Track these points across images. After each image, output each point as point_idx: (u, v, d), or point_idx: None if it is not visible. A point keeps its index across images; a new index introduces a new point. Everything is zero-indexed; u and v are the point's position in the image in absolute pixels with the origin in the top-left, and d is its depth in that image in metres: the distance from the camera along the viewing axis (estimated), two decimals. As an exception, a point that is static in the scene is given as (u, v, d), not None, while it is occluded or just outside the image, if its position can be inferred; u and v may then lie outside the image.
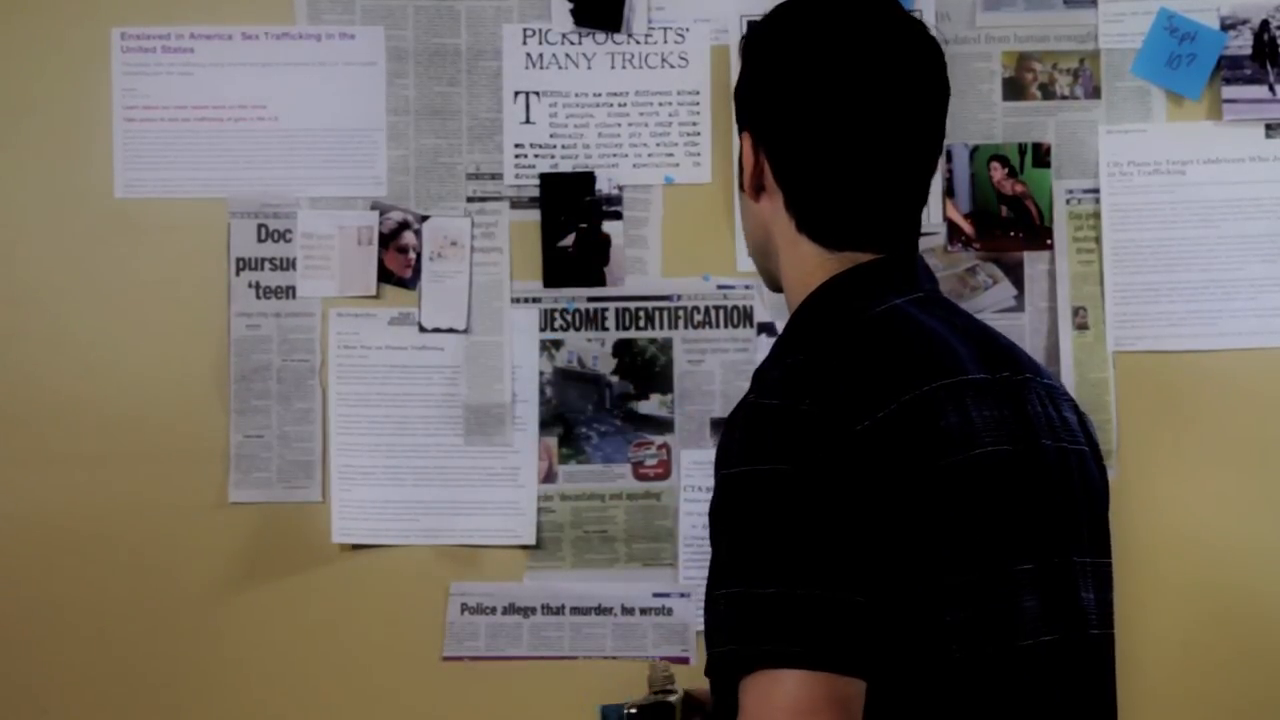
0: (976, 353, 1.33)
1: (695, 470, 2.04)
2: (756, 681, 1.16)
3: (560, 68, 2.09)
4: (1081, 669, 1.31)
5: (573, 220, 2.07)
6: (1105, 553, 1.38)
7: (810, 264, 1.39)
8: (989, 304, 2.07)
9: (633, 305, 2.08)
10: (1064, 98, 2.08)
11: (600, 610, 2.06)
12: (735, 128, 1.47)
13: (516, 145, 2.09)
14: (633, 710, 1.59)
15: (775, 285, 1.48)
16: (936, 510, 1.21)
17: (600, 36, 2.08)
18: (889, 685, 1.19)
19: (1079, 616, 1.31)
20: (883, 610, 1.19)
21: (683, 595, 2.04)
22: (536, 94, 2.09)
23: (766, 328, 2.06)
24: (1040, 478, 1.30)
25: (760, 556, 1.19)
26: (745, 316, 2.07)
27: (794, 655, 1.15)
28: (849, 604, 1.17)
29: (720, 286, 2.07)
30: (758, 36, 1.45)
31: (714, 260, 2.08)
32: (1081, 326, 2.06)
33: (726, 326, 2.07)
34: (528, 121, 2.09)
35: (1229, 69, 2.05)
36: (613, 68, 2.09)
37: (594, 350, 2.08)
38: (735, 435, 1.26)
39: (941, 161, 2.06)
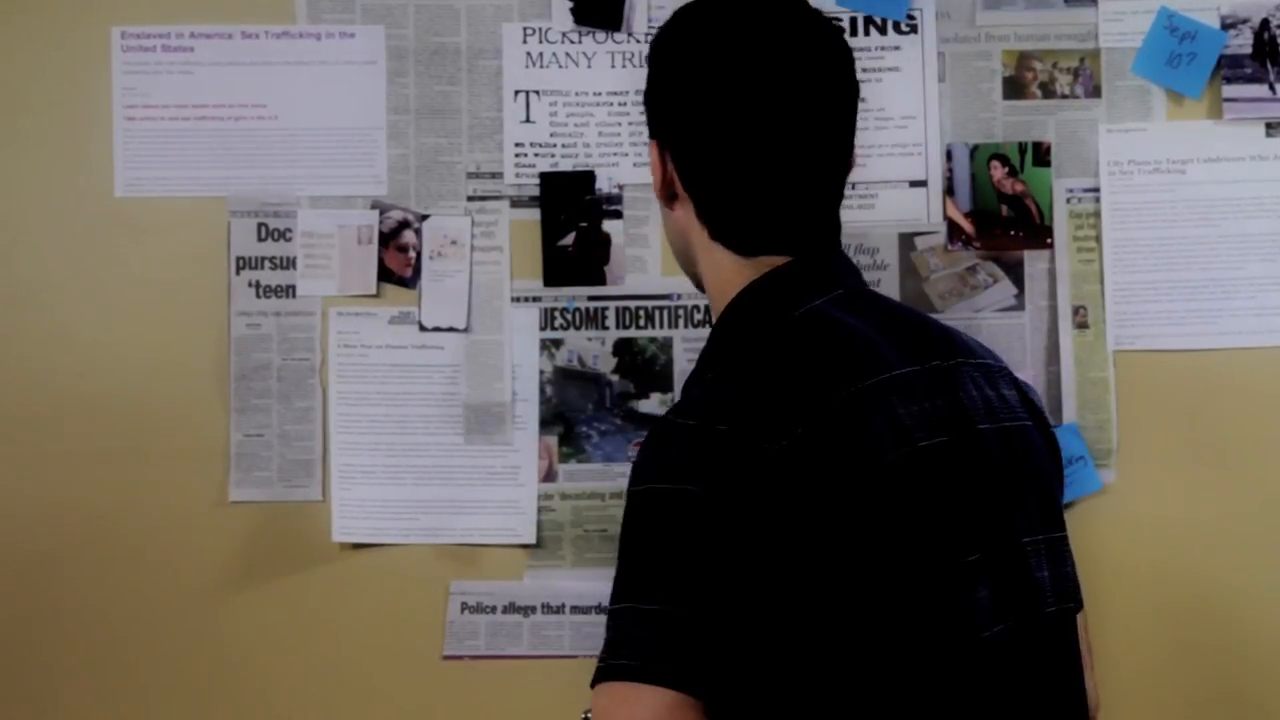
0: (904, 345, 1.31)
1: (695, 469, 2.04)
2: (603, 691, 1.17)
3: (560, 67, 2.09)
4: (1039, 651, 1.29)
5: (573, 219, 2.07)
6: (1058, 526, 1.36)
7: (727, 271, 1.38)
8: (989, 303, 2.07)
9: (633, 304, 2.08)
10: (1064, 97, 2.08)
11: (601, 609, 2.06)
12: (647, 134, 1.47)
13: (516, 144, 2.09)
14: None
15: (703, 288, 1.48)
16: (877, 513, 1.20)
17: (600, 35, 2.08)
18: (847, 689, 1.19)
19: (1033, 598, 1.29)
20: (821, 624, 1.18)
21: (683, 594, 2.04)
22: (536, 93, 2.09)
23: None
24: (980, 465, 1.28)
25: (649, 572, 1.19)
26: (745, 315, 2.07)
27: (651, 671, 1.15)
28: (728, 626, 1.16)
29: (720, 285, 2.07)
30: (661, 41, 1.44)
31: (714, 259, 2.08)
32: (1082, 325, 2.06)
33: (727, 325, 2.07)
34: (528, 120, 2.09)
35: (1229, 68, 2.05)
36: (613, 67, 2.09)
37: (594, 349, 2.08)
38: (647, 454, 1.25)
39: (941, 160, 2.07)
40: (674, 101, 1.38)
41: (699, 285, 1.48)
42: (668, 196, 1.41)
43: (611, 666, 1.18)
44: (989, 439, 1.29)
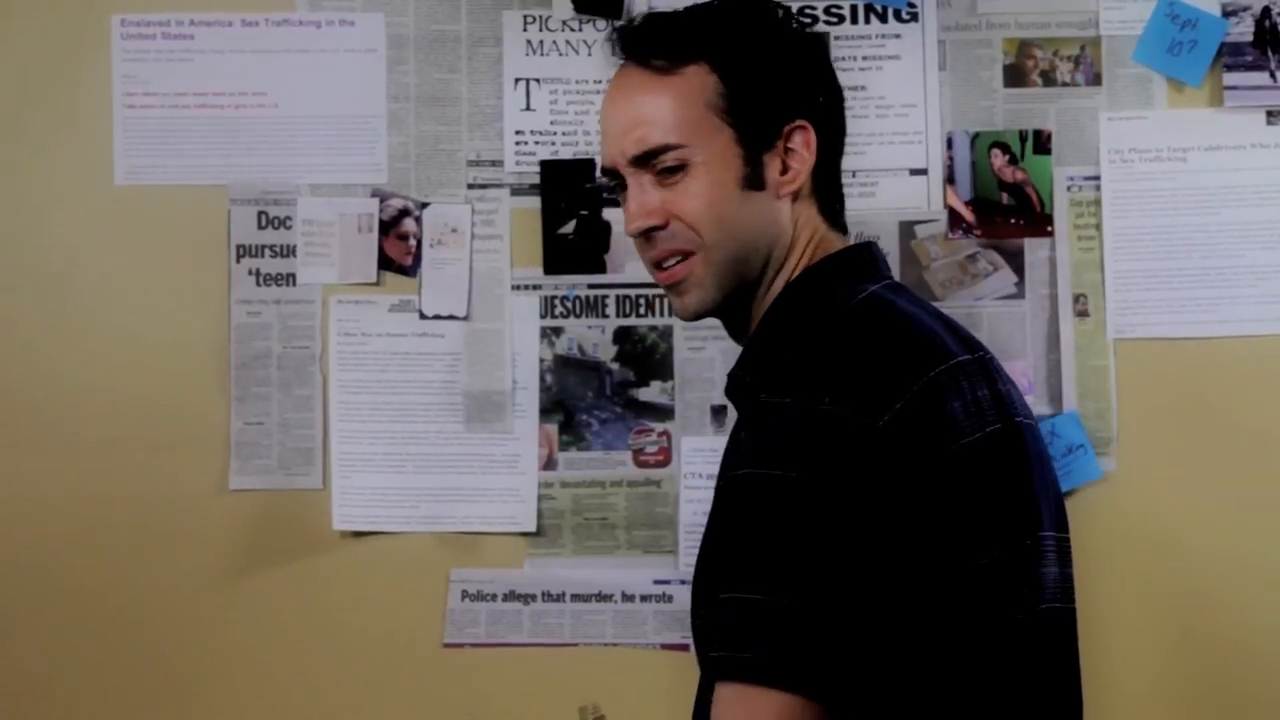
0: (952, 335, 1.35)
1: (695, 457, 2.04)
2: (739, 695, 1.17)
3: (560, 54, 2.09)
4: (1051, 640, 1.31)
5: (573, 207, 2.07)
6: (1066, 528, 1.39)
7: (819, 255, 1.41)
8: (990, 291, 2.06)
9: (633, 292, 2.08)
10: (1065, 84, 2.07)
11: (601, 597, 2.06)
12: (754, 127, 1.41)
13: (517, 132, 2.09)
14: None
15: (728, 299, 1.45)
16: (961, 493, 1.23)
17: (601, 23, 2.08)
18: (905, 669, 1.20)
19: (1044, 590, 1.31)
20: (892, 605, 1.19)
21: (683, 582, 2.04)
22: (537, 81, 2.09)
23: (767, 315, 2.06)
24: (1022, 454, 1.31)
25: (765, 563, 1.19)
26: (746, 304, 2.07)
27: (780, 671, 1.16)
28: (841, 613, 1.18)
29: (721, 274, 2.06)
30: (762, 23, 1.45)
31: (714, 247, 2.07)
32: (1082, 314, 2.06)
33: (727, 314, 2.07)
34: (528, 108, 2.09)
35: (1230, 56, 2.05)
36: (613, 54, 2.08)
37: (594, 337, 2.08)
38: (748, 435, 1.26)
39: (942, 148, 2.07)
40: (822, 85, 1.45)
41: (732, 287, 1.44)
42: (800, 188, 1.44)
43: (733, 660, 1.18)
44: (1024, 431, 1.33)
